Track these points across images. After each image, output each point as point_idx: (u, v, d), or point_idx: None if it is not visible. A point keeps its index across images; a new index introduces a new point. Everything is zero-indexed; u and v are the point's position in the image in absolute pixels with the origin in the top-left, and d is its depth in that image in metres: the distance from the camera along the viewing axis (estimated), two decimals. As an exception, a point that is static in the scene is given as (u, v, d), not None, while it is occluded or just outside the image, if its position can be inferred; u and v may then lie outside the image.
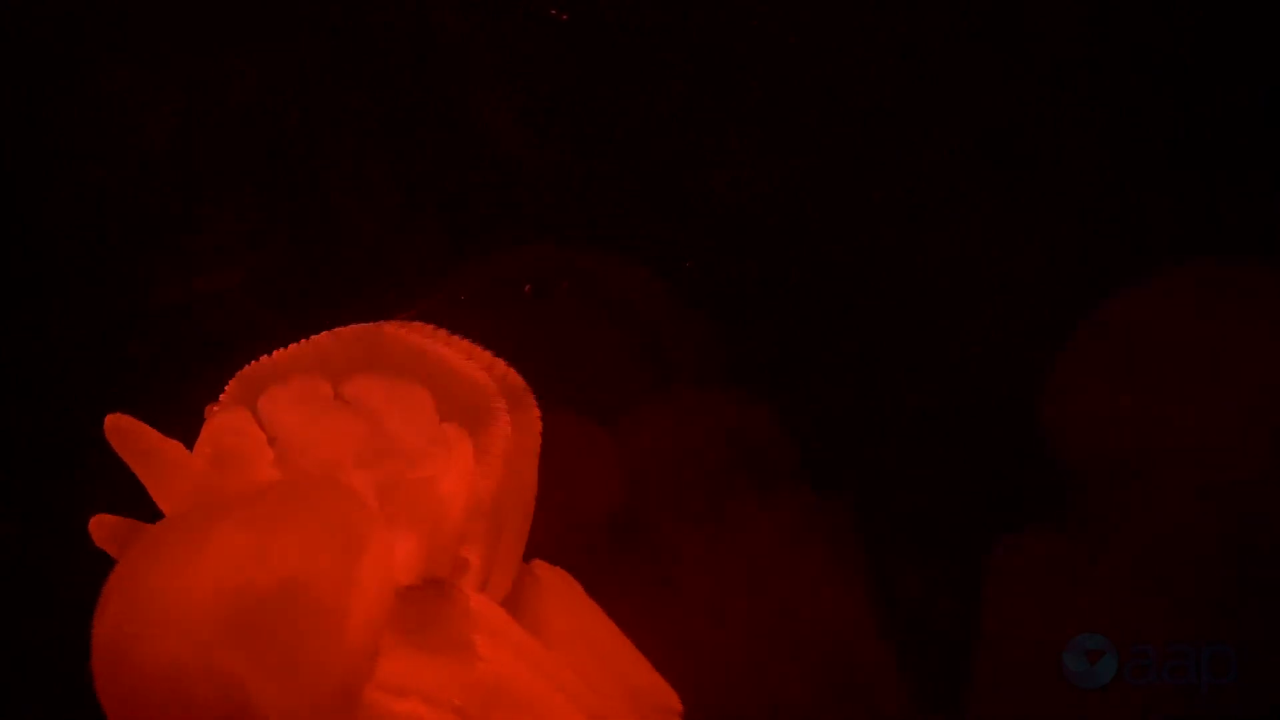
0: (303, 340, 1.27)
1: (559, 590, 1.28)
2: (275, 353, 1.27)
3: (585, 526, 1.46)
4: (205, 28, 1.68)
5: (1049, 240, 1.65)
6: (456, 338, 1.26)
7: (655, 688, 1.26)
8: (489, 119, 1.70)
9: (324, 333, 1.26)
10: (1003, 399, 1.64)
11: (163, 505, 1.23)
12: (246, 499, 1.18)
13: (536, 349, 1.69)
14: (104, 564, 1.19)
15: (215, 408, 1.25)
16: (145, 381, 1.65)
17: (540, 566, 1.29)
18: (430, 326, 1.26)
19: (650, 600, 1.45)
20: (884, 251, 1.69)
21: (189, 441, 1.28)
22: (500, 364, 1.27)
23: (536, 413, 1.27)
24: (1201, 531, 1.37)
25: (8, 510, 1.66)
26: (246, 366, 1.27)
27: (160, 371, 1.67)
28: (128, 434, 1.24)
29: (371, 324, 1.26)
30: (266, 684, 1.09)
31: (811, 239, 1.70)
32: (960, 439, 1.66)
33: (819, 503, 1.60)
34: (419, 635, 1.14)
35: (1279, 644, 1.35)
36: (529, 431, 1.26)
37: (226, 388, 1.28)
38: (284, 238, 1.71)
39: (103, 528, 1.21)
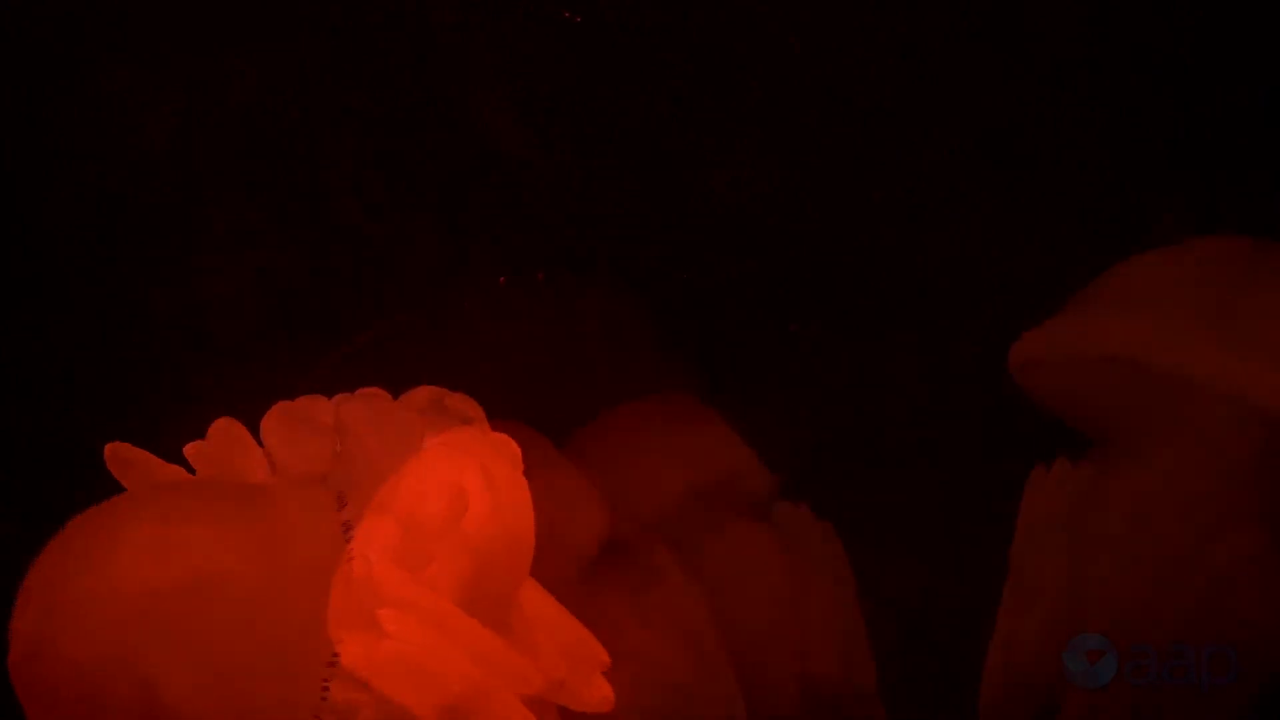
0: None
1: None
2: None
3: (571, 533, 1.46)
4: (205, 28, 1.68)
5: (1049, 240, 1.65)
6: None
7: (584, 642, 1.25)
8: (489, 119, 1.70)
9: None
10: (1003, 399, 1.64)
11: None
12: (163, 490, 1.18)
13: (528, 352, 1.70)
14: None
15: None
16: (145, 382, 1.65)
17: None
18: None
19: (639, 607, 1.44)
20: (884, 251, 1.69)
21: (188, 440, 1.29)
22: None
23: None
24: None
25: (8, 510, 1.66)
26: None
27: (160, 372, 1.67)
28: (129, 462, 1.24)
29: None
30: (182, 681, 1.09)
31: (811, 239, 1.70)
32: (961, 439, 1.66)
33: (819, 503, 1.60)
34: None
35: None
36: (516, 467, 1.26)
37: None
38: (284, 238, 1.71)
39: None
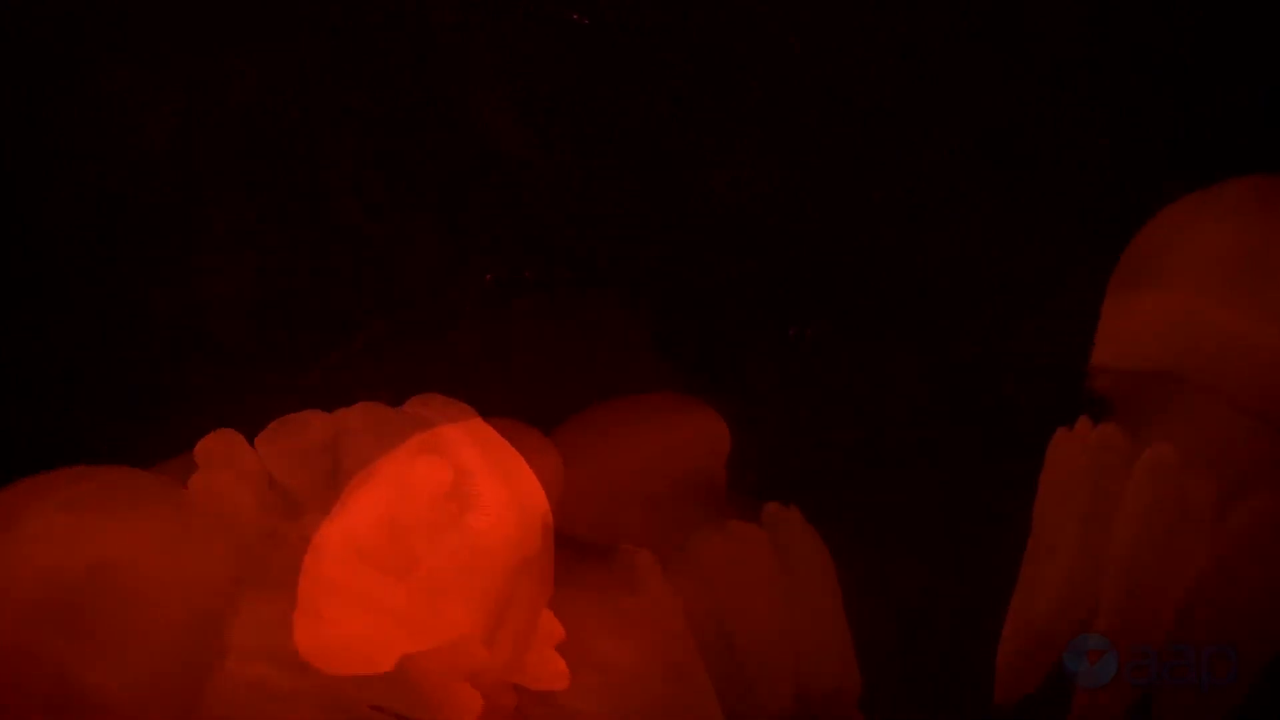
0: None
1: None
2: None
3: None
4: (205, 28, 1.68)
5: (1049, 240, 1.65)
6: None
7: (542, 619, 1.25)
8: (489, 119, 1.70)
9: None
10: (1003, 399, 1.64)
11: None
12: (63, 477, 1.18)
13: (528, 352, 1.69)
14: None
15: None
16: (145, 382, 1.65)
17: None
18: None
19: (612, 614, 1.43)
20: (884, 251, 1.69)
21: (188, 441, 1.28)
22: None
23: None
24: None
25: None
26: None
27: (160, 372, 1.67)
28: None
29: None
30: (94, 666, 1.09)
31: (811, 239, 1.70)
32: (961, 439, 1.66)
33: (818, 503, 1.60)
34: (265, 593, 1.14)
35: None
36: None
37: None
38: (284, 238, 1.71)
39: None
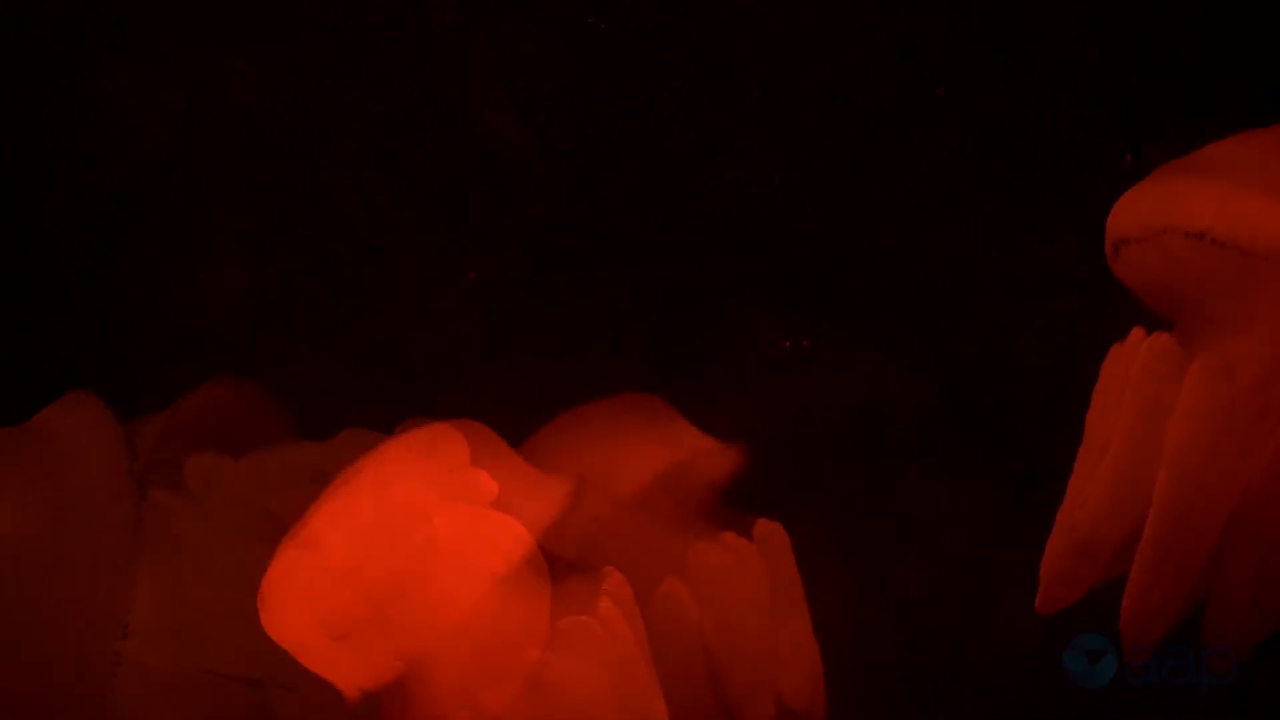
0: None
1: None
2: None
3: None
4: (205, 28, 1.68)
5: (1049, 240, 1.65)
6: None
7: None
8: (489, 119, 1.70)
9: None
10: (1003, 399, 1.64)
11: None
12: None
13: (526, 351, 1.70)
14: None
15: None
16: (145, 382, 1.65)
17: None
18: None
19: (563, 633, 1.41)
20: (884, 251, 1.69)
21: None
22: None
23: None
24: None
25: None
26: None
27: (160, 371, 1.67)
28: None
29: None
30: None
31: (811, 239, 1.70)
32: (961, 439, 1.66)
33: (817, 505, 1.60)
34: (154, 576, 1.15)
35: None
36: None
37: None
38: (284, 238, 1.71)
39: None
